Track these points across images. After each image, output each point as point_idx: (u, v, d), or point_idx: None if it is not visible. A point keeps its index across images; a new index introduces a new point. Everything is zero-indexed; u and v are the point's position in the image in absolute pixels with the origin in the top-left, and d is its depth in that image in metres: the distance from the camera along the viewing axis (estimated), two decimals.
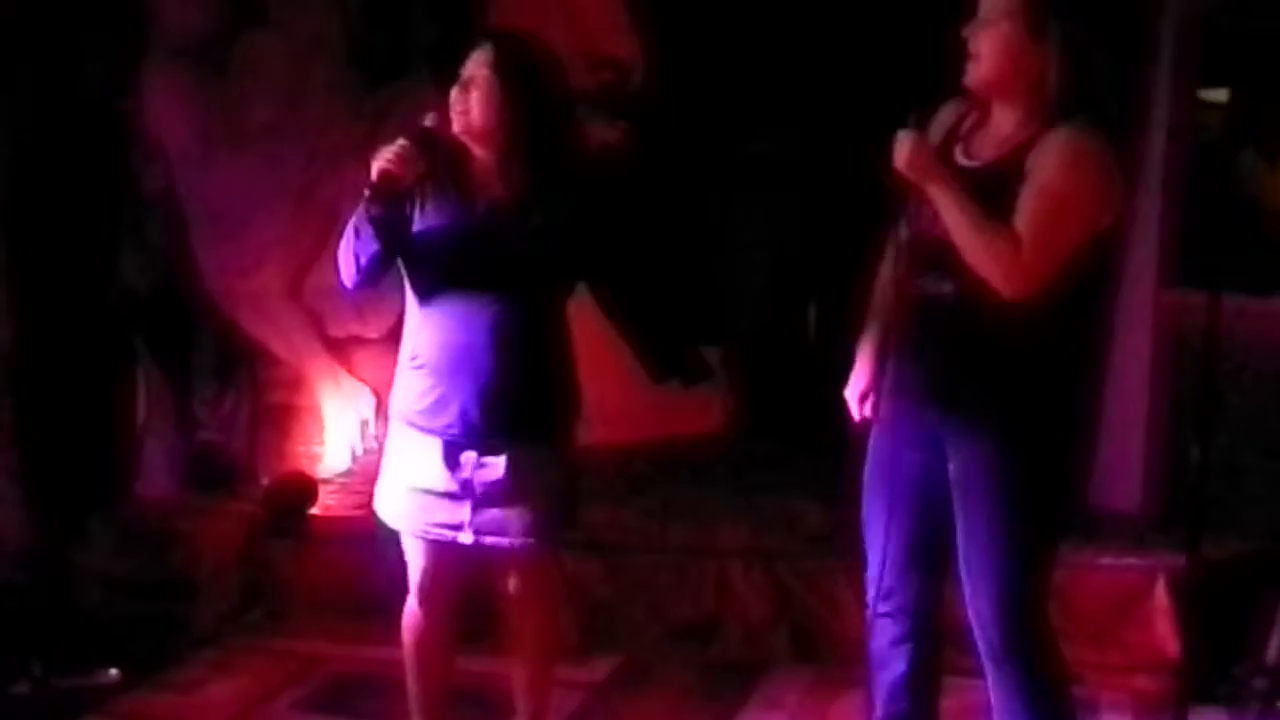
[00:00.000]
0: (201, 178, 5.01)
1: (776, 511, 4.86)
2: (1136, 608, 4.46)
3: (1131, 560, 4.57)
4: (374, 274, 3.25)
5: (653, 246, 6.03)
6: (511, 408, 3.22)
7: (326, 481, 5.15)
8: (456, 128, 3.21)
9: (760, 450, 5.73)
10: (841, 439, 3.96)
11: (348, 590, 4.55)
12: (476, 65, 3.20)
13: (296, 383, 5.30)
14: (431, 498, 3.29)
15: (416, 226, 3.22)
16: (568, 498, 3.37)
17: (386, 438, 3.46)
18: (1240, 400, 4.75)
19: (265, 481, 5.05)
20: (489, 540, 3.28)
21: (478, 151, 3.24)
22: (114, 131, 4.80)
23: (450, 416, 3.23)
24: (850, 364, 3.51)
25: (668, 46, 5.68)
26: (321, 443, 5.30)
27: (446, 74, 3.26)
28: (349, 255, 3.21)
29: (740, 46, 5.73)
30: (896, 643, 3.34)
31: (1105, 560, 4.54)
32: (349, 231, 3.21)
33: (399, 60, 5.35)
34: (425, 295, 3.26)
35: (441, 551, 3.34)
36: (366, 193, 3.14)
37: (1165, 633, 4.41)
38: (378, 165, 3.13)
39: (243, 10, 5.06)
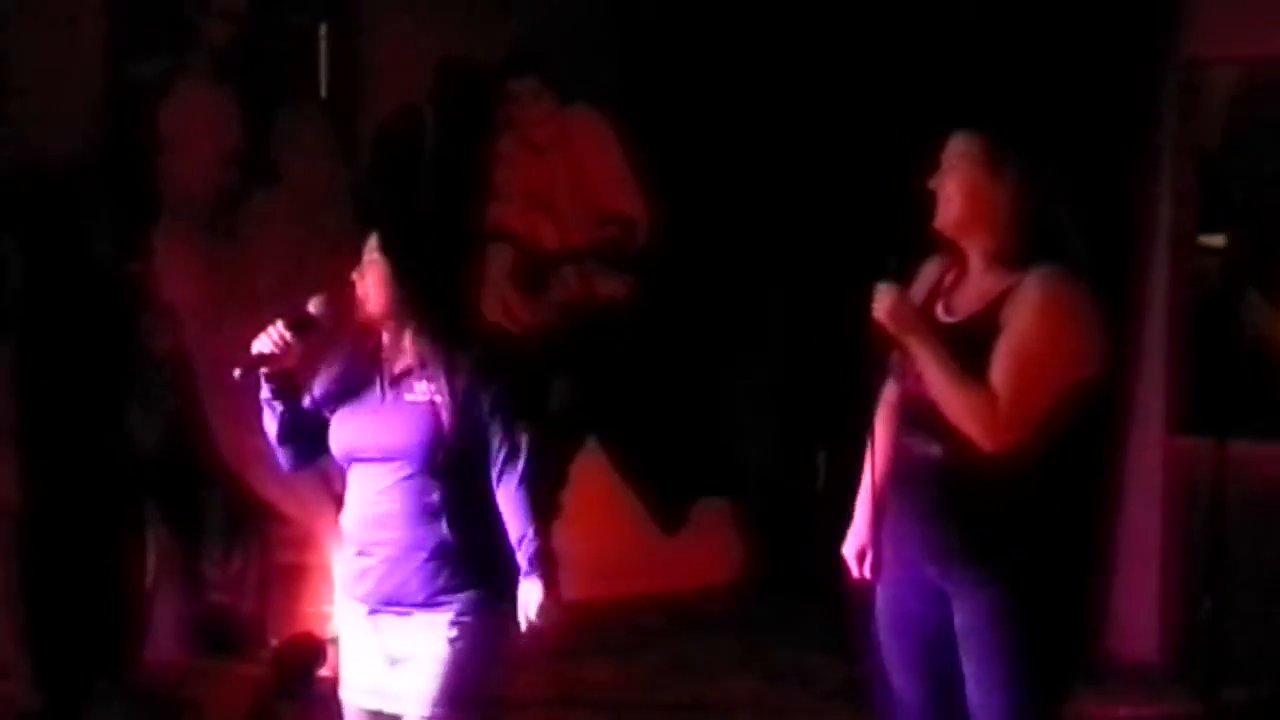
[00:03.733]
0: (210, 338, 5.05)
1: (788, 665, 4.83)
2: None
3: (1148, 710, 4.54)
4: (291, 452, 3.32)
5: (660, 399, 6.09)
6: (420, 578, 3.21)
7: (335, 642, 5.12)
8: (366, 303, 3.25)
9: (772, 602, 5.71)
10: (848, 595, 3.96)
11: None
12: (369, 250, 3.26)
13: (306, 542, 5.29)
14: (360, 665, 3.30)
15: (327, 401, 3.28)
16: (487, 673, 3.27)
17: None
18: (1250, 548, 4.73)
19: (274, 643, 5.02)
20: (399, 709, 3.25)
21: (383, 329, 3.28)
22: (123, 293, 4.86)
23: (367, 585, 3.26)
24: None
25: (673, 203, 5.76)
26: (331, 602, 5.27)
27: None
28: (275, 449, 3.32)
29: (744, 200, 5.81)
30: None
31: (1123, 711, 4.51)
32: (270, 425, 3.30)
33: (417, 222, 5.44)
34: (345, 468, 3.32)
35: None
36: (236, 373, 3.22)
37: None
38: (253, 348, 3.21)
39: (253, 171, 5.15)
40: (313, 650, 4.91)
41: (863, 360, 3.55)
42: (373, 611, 3.26)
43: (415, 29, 5.44)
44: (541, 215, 5.85)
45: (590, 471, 5.93)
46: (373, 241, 3.26)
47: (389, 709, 3.26)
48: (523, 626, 3.18)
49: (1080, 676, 3.53)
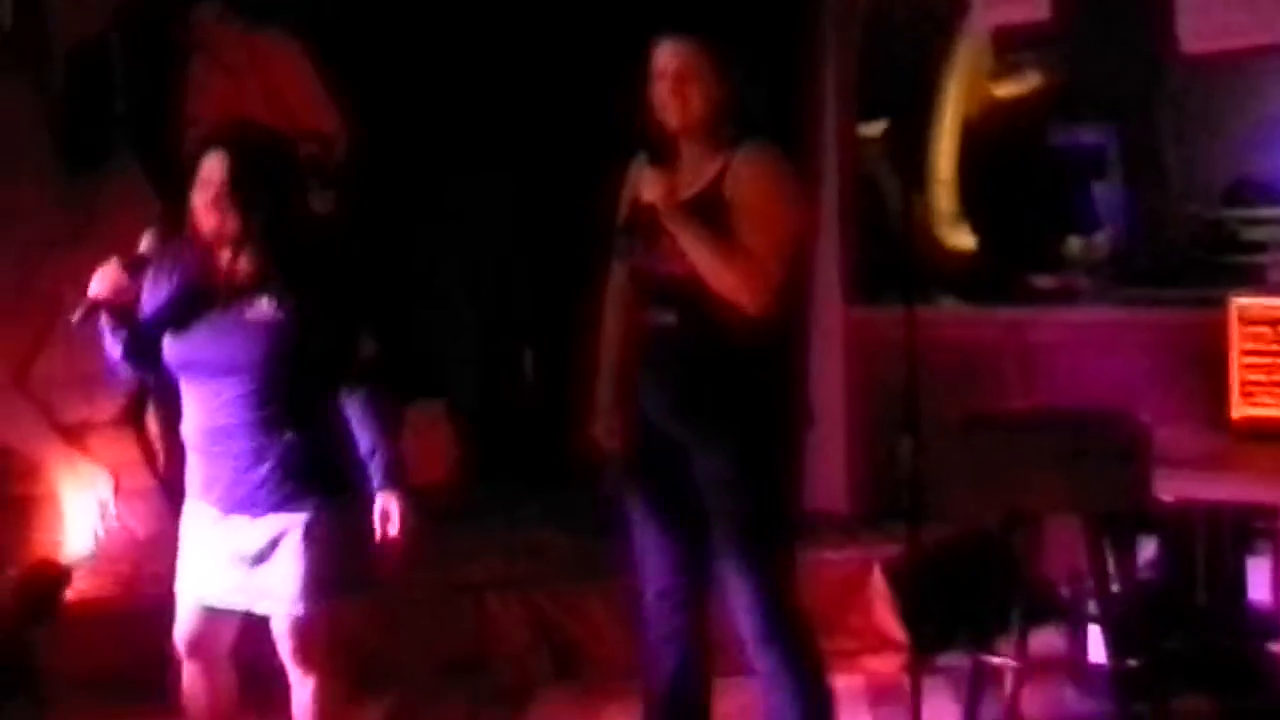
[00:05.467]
0: None
1: (524, 544, 5.16)
2: (858, 595, 4.93)
3: (849, 552, 5.04)
4: (130, 367, 3.46)
5: (370, 309, 6.26)
6: (268, 482, 3.39)
7: (73, 566, 5.20)
8: (204, 228, 3.39)
9: (495, 493, 6.01)
10: (572, 473, 4.31)
11: (111, 669, 4.63)
12: (209, 173, 3.36)
13: (33, 472, 5.32)
14: (211, 566, 3.47)
15: (161, 320, 3.41)
16: (343, 563, 3.47)
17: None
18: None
19: (13, 572, 5.06)
20: (265, 609, 3.46)
21: (219, 250, 3.41)
22: None
23: (217, 491, 3.43)
24: (568, 401, 3.88)
25: (364, 106, 5.92)
26: (63, 528, 5.33)
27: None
28: (106, 354, 3.45)
29: (437, 98, 6.01)
30: (669, 639, 3.70)
31: (826, 554, 4.99)
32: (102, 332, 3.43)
33: (103, 145, 5.46)
34: (184, 383, 3.46)
35: (217, 617, 3.51)
36: (79, 312, 3.33)
37: (886, 616, 4.89)
38: (90, 292, 3.33)
39: None
40: (56, 576, 4.98)
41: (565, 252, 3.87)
42: (226, 513, 3.43)
43: None
44: None
45: None
46: (214, 164, 3.35)
47: (258, 609, 3.46)
48: (378, 536, 3.43)
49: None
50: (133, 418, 5.39)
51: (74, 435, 5.40)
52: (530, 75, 5.90)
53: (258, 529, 3.41)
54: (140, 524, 5.31)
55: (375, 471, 3.46)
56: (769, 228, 3.49)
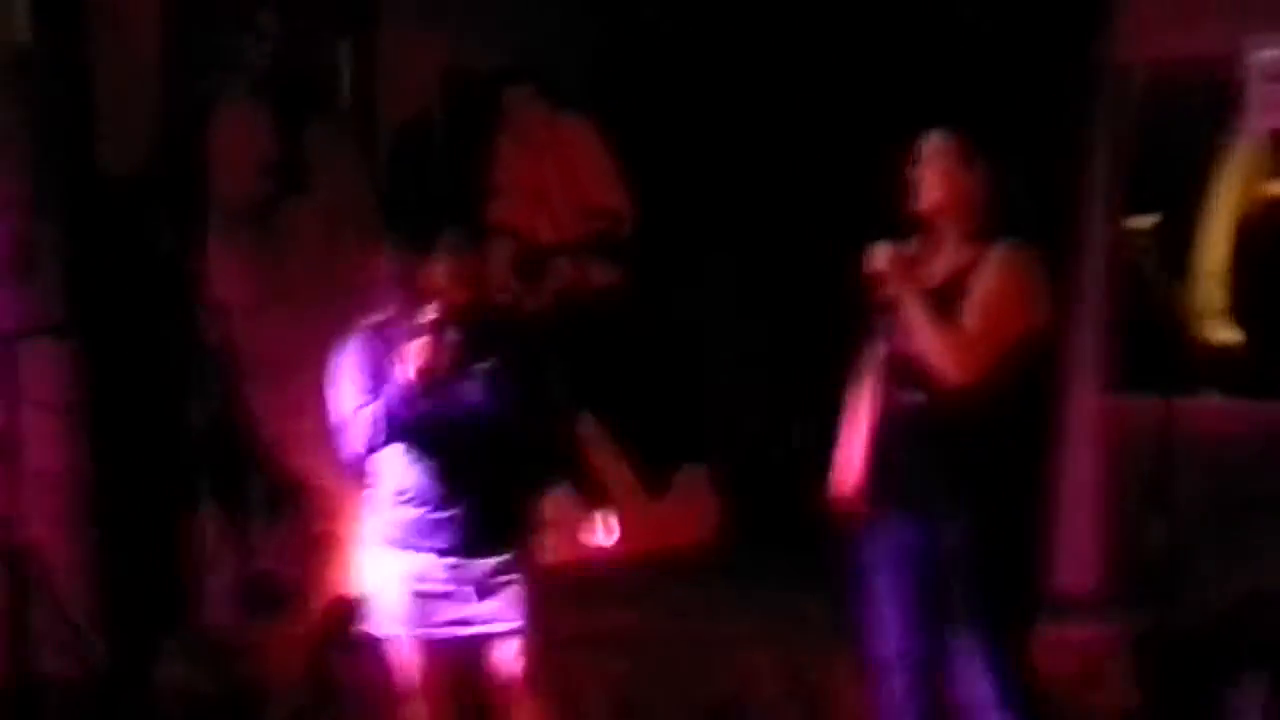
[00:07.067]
0: (253, 330, 5.58)
1: (778, 602, 5.45)
2: (1101, 673, 5.06)
3: (1095, 630, 5.18)
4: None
5: (645, 376, 6.69)
6: (492, 524, 3.91)
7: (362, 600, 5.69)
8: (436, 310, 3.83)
9: (751, 555, 6.32)
10: (830, 539, 4.59)
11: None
12: (449, 246, 3.90)
13: (335, 512, 5.83)
14: (433, 600, 3.93)
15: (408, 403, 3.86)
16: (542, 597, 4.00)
17: (366, 564, 4.10)
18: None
19: (318, 602, 5.57)
20: (487, 628, 3.93)
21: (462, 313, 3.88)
22: (183, 288, 5.40)
23: (443, 534, 3.91)
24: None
25: (656, 196, 6.35)
26: (357, 564, 5.82)
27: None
28: (361, 438, 3.89)
29: (722, 190, 6.40)
30: (909, 694, 3.95)
31: (1071, 631, 5.13)
32: (364, 420, 3.86)
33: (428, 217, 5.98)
34: (408, 436, 3.90)
35: (440, 649, 3.97)
36: (398, 386, 3.79)
37: (1130, 694, 5.01)
38: (416, 364, 3.77)
39: (288, 178, 5.69)
40: (352, 608, 5.47)
41: (832, 333, 4.17)
42: (444, 553, 3.89)
43: (424, 45, 6.01)
44: (537, 210, 6.43)
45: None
46: (454, 240, 3.86)
47: (483, 631, 3.91)
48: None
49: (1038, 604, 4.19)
50: None
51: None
52: (798, 155, 6.24)
53: (479, 566, 3.89)
54: None
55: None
56: (991, 313, 3.76)
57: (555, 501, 4.44)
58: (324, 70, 5.85)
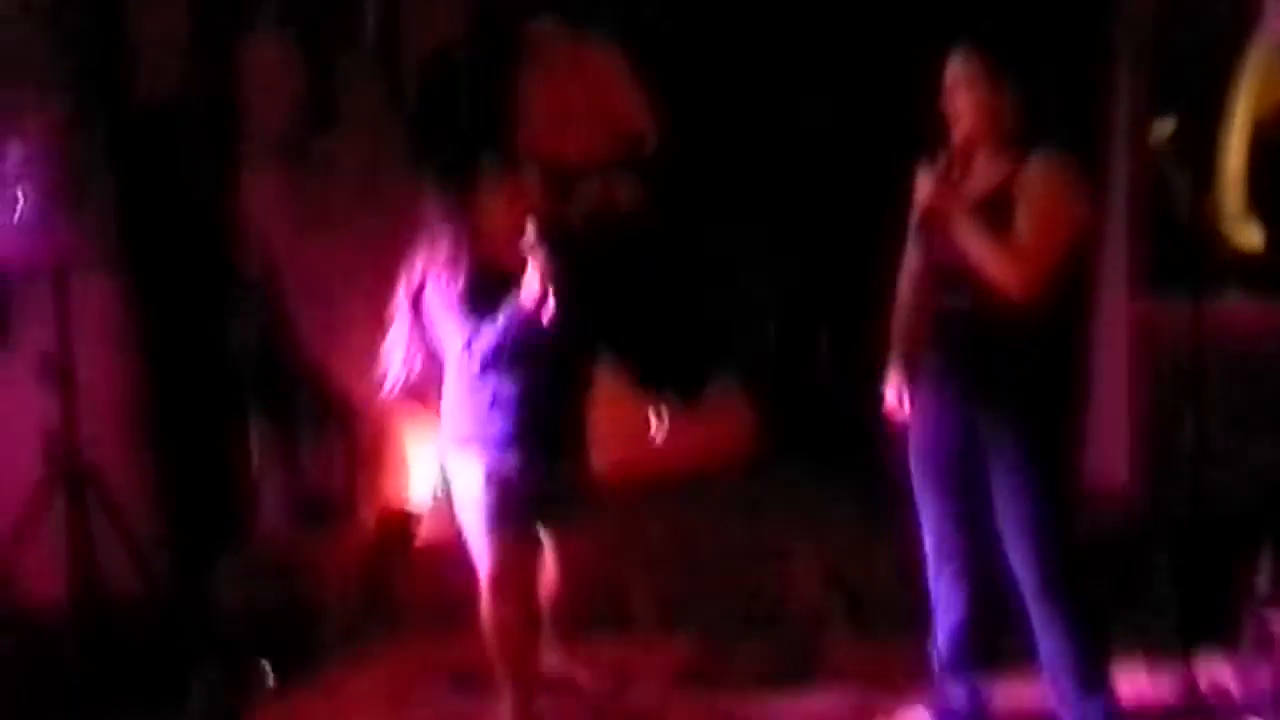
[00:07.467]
0: (294, 258, 5.70)
1: (820, 508, 5.59)
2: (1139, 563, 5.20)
3: (1132, 527, 5.30)
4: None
5: (675, 292, 6.79)
6: (558, 435, 4.27)
7: (416, 513, 5.85)
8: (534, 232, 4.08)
9: (786, 466, 6.44)
10: (864, 450, 4.72)
11: (451, 597, 5.23)
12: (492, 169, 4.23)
13: (384, 429, 5.98)
14: (516, 503, 4.21)
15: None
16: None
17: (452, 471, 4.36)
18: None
19: (368, 516, 5.73)
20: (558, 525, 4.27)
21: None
22: (224, 220, 5.52)
23: (528, 441, 4.22)
24: (862, 381, 4.32)
25: (681, 114, 6.43)
26: (409, 479, 5.98)
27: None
28: (477, 363, 4.15)
29: (747, 110, 6.48)
30: (956, 588, 4.10)
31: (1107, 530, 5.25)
32: (481, 346, 4.12)
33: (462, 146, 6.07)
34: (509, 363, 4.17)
35: (520, 540, 4.23)
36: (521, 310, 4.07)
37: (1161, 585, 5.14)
38: (538, 290, 4.04)
39: (315, 112, 5.78)
40: (408, 521, 5.64)
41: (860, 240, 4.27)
42: (519, 455, 4.21)
43: None
44: (563, 136, 6.51)
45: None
46: (496, 165, 4.10)
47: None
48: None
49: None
50: None
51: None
52: (832, 73, 6.30)
53: (545, 466, 4.22)
54: None
55: None
56: (1044, 226, 3.87)
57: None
58: (350, 2, 5.91)
